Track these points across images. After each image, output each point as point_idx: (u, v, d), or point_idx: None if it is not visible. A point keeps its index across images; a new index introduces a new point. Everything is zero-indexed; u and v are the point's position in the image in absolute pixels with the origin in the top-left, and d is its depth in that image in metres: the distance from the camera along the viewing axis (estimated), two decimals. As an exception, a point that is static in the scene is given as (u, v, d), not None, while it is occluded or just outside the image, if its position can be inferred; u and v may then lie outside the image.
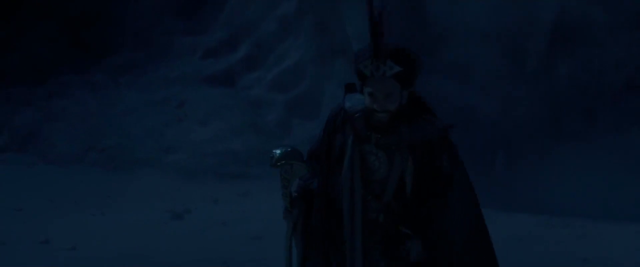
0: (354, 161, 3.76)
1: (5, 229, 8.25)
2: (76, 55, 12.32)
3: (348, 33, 10.45)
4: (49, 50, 12.57)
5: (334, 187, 3.83)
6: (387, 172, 3.74)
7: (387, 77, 3.64)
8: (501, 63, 10.16)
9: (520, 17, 10.06)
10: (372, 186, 3.77)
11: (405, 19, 9.84)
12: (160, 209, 8.70)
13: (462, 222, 3.81)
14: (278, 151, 3.94)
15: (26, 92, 11.91)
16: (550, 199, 9.04)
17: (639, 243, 7.86)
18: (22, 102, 11.77)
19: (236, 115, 10.75)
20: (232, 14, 11.95)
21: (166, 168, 10.05)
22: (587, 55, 10.09)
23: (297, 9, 11.31)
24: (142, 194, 9.36)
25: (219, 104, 10.93)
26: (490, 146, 9.81)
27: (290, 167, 3.91)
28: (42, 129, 11.20)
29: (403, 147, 3.72)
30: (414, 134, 3.73)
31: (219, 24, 11.98)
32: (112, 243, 7.69)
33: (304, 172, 3.96)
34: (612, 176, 9.38)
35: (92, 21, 12.58)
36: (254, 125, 10.60)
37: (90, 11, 12.72)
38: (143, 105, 11.06)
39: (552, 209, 8.72)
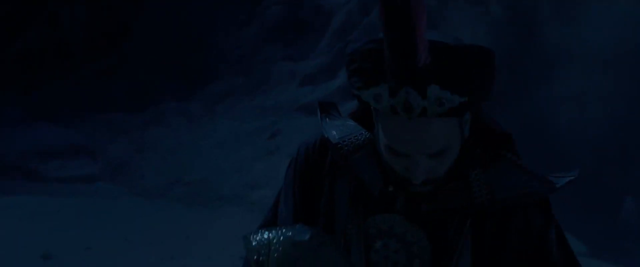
0: (355, 251, 1.82)
1: (72, 265, 7.31)
2: (177, 84, 11.51)
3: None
4: (151, 78, 11.80)
5: None
6: None
7: (434, 117, 1.65)
8: (618, 90, 8.54)
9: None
10: None
11: (514, 39, 8.27)
12: (237, 255, 7.40)
13: None
14: (289, 238, 1.71)
15: (125, 119, 11.15)
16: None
17: None
18: (120, 131, 10.98)
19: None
20: (333, 39, 10.71)
21: (251, 206, 8.79)
22: None
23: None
24: (223, 236, 8.09)
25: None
26: (614, 188, 8.07)
27: None
28: (133, 159, 10.29)
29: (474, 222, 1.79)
30: (501, 192, 1.76)
31: (320, 50, 10.76)
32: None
33: None
34: None
35: (195, 49, 11.76)
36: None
37: (194, 39, 11.88)
38: (235, 137, 9.85)
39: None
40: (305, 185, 1.85)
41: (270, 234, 1.70)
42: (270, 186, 9.00)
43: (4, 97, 11.79)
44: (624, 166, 8.27)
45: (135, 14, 12.27)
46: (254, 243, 1.71)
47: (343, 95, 10.17)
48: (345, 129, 1.84)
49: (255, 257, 1.69)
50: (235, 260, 7.35)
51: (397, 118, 1.65)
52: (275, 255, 1.67)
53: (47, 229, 8.50)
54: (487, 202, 1.75)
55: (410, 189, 1.75)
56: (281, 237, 1.70)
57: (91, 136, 10.99)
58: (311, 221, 1.83)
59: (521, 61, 8.14)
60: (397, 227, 1.78)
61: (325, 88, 10.32)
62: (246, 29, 11.71)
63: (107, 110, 11.37)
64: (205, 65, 11.50)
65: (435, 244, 1.77)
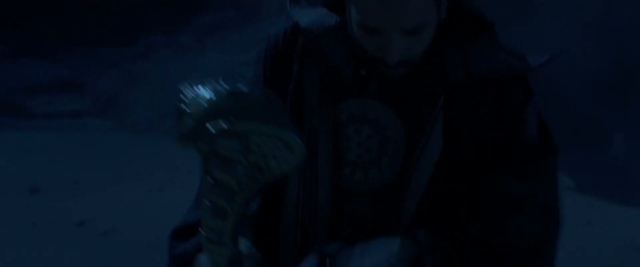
0: (323, 138, 1.69)
1: (60, 198, 7.23)
2: (166, 16, 11.27)
3: None
4: (140, 11, 11.56)
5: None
6: (404, 155, 1.67)
7: None
8: (610, 25, 8.37)
9: None
10: (361, 181, 1.70)
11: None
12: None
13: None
14: (205, 93, 1.47)
15: (113, 53, 10.95)
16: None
17: None
18: (108, 65, 10.80)
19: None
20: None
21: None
22: None
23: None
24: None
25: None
26: (604, 125, 7.95)
27: (244, 142, 1.45)
28: (122, 93, 10.13)
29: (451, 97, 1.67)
30: (477, 67, 1.66)
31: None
32: (159, 225, 6.28)
33: (297, 161, 1.49)
34: None
35: None
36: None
37: None
38: (225, 70, 9.69)
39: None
40: (275, 76, 1.74)
41: (204, 86, 1.47)
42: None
43: (-10, 32, 11.61)
44: (613, 102, 8.16)
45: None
46: (188, 95, 1.48)
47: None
48: (314, 16, 1.74)
49: (180, 105, 1.48)
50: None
51: None
52: (204, 104, 1.41)
53: (35, 163, 8.41)
54: (461, 78, 1.65)
55: (385, 71, 1.64)
56: (217, 88, 1.46)
57: (79, 71, 10.83)
58: None
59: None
60: (370, 112, 1.68)
61: (316, 21, 10.16)
62: (236, -39, 11.49)
63: (96, 44, 11.18)
64: (194, -2, 11.31)
65: (409, 127, 1.67)
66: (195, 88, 1.49)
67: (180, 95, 1.51)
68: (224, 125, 1.41)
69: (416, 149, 1.66)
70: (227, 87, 1.45)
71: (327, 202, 1.68)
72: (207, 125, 1.43)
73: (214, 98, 1.44)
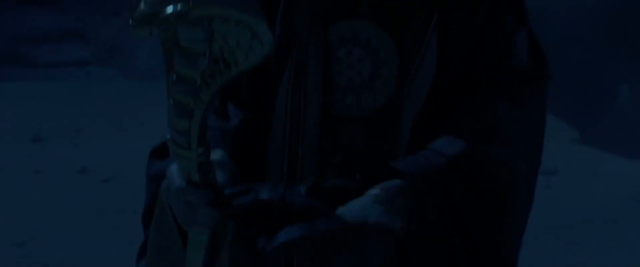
0: (312, 61, 1.60)
1: (62, 146, 7.22)
2: None
3: None
4: None
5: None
6: (397, 78, 1.61)
7: None
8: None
9: None
10: (353, 106, 1.63)
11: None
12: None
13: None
14: None
15: (117, 1, 10.84)
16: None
17: None
18: (112, 13, 10.68)
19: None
20: None
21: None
22: None
23: None
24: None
25: None
26: (610, 76, 7.87)
27: (207, 31, 1.34)
28: (126, 42, 10.04)
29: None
30: None
31: None
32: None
33: (265, 51, 1.37)
34: None
35: None
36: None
37: None
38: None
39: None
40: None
41: None
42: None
43: (-7, -19, 11.50)
44: (619, 53, 8.07)
45: None
46: None
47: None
48: None
49: None
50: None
51: None
52: None
53: (38, 112, 8.39)
54: None
55: None
56: None
57: (83, 19, 10.75)
58: None
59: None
60: (362, 33, 1.60)
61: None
62: None
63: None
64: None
65: (402, 49, 1.60)
66: None
67: None
68: (182, 8, 1.30)
69: (410, 72, 1.60)
70: None
71: (316, 128, 1.61)
72: (165, 8, 1.33)
73: None
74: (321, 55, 1.60)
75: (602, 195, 5.96)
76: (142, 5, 1.33)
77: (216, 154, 1.55)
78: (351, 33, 1.62)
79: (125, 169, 6.34)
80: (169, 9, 1.32)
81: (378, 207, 1.50)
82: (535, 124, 1.64)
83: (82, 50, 10.49)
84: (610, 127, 7.09)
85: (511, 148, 1.59)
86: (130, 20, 1.35)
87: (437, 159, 1.56)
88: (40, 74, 10.00)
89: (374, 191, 1.53)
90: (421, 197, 1.53)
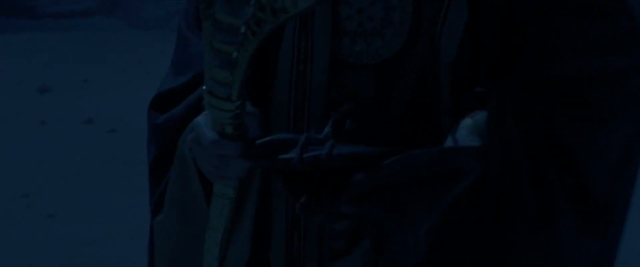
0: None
1: (68, 97, 7.14)
2: None
3: None
4: None
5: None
6: (410, 25, 1.48)
7: None
8: None
9: None
10: (362, 53, 1.50)
11: None
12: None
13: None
14: None
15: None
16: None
17: None
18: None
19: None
20: None
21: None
22: None
23: None
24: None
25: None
26: None
27: None
28: (132, -8, 9.97)
29: None
30: None
31: None
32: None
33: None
34: None
35: None
36: None
37: None
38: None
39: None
40: None
41: None
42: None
43: None
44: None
45: None
46: None
47: None
48: None
49: None
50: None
51: None
52: None
53: (44, 63, 8.33)
54: None
55: None
56: None
57: (88, -31, 10.65)
58: None
59: None
60: None
61: None
62: None
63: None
64: None
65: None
66: None
67: None
68: None
69: (423, 18, 1.49)
70: None
71: (323, 74, 1.49)
72: None
73: None
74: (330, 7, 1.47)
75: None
76: None
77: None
78: None
79: (132, 120, 6.26)
80: None
81: (474, 137, 1.42)
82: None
83: (87, 0, 10.41)
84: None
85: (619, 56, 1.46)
86: None
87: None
88: (44, 25, 9.93)
89: (467, 121, 1.43)
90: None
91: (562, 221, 1.44)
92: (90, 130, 6.40)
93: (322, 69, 1.50)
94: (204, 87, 1.41)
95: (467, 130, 1.45)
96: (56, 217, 4.93)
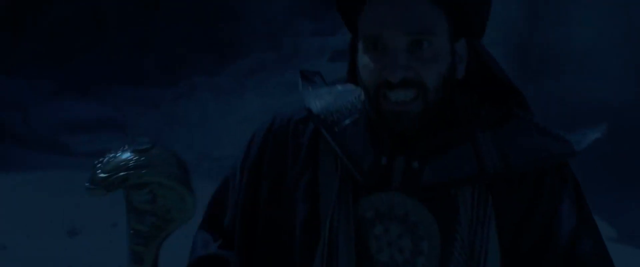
0: (343, 240, 1.55)
1: (97, 242, 7.15)
2: (207, 58, 11.30)
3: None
4: (183, 51, 11.60)
5: None
6: (440, 254, 1.54)
7: None
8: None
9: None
10: None
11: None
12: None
13: None
14: (116, 157, 1.59)
15: (155, 94, 10.96)
16: None
17: None
18: (149, 104, 10.81)
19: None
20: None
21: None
22: None
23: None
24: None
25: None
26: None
27: (151, 194, 1.60)
28: (163, 133, 10.11)
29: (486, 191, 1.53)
30: (517, 157, 1.53)
31: (350, 25, 10.55)
32: None
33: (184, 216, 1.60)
34: None
35: (225, 20, 11.54)
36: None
37: (224, 9, 11.67)
38: (264, 112, 9.65)
39: None
40: (266, 169, 1.61)
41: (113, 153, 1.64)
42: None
43: (35, 70, 11.66)
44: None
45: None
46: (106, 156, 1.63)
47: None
48: (330, 97, 1.61)
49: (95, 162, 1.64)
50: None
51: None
52: (114, 160, 1.59)
53: (74, 204, 8.37)
54: (500, 169, 1.50)
55: (397, 125, 1.49)
56: (129, 147, 1.61)
57: (121, 110, 10.85)
58: (275, 206, 1.61)
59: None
60: (398, 208, 1.52)
61: (356, 64, 10.13)
62: (276, 3, 11.49)
63: (138, 83, 11.22)
64: (236, 39, 11.30)
65: (443, 223, 1.52)
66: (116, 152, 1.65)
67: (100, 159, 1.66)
68: (125, 175, 1.58)
69: (454, 248, 1.52)
70: (138, 146, 1.61)
71: None
72: (115, 176, 1.60)
73: (122, 155, 1.60)
74: (352, 232, 1.53)
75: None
76: (98, 172, 1.61)
77: None
78: (386, 207, 1.54)
79: (164, 264, 6.29)
80: (118, 176, 1.58)
81: None
82: None
83: (119, 141, 10.56)
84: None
85: None
86: (88, 184, 1.61)
87: None
88: (78, 163, 10.04)
89: None
90: None
91: None
92: (118, 279, 6.41)
93: None
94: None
95: None
96: None
